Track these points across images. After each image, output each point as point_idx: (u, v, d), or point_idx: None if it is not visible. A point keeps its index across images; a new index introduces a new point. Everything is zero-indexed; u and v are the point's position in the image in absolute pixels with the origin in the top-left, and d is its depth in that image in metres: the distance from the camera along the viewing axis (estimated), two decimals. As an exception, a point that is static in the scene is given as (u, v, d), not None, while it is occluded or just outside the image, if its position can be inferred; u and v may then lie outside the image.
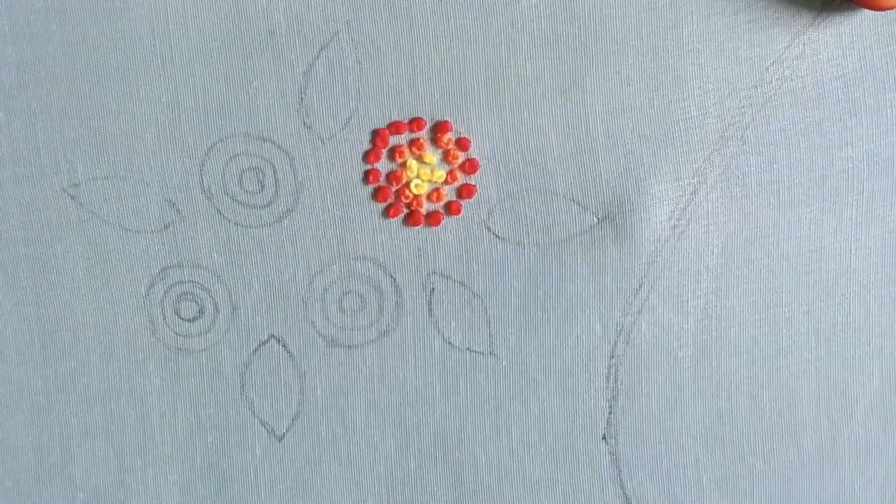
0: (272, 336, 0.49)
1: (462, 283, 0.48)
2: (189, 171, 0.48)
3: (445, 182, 0.47)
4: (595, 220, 0.46)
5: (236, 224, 0.48)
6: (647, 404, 0.48)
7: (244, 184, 0.48)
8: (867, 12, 0.45)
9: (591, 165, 0.46)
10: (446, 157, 0.47)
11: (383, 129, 0.47)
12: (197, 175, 0.48)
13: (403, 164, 0.47)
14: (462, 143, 0.47)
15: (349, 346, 0.49)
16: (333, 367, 0.49)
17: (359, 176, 0.47)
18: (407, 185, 0.47)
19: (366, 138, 0.47)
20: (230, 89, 0.47)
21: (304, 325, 0.48)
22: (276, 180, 0.47)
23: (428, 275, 0.48)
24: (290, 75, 0.47)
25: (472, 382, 0.48)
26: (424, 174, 0.47)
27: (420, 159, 0.47)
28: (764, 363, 0.48)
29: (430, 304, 0.48)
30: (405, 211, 0.47)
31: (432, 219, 0.47)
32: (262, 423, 0.49)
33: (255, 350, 0.49)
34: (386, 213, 0.48)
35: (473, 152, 0.47)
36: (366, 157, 0.47)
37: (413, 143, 0.47)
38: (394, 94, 0.47)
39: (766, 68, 0.46)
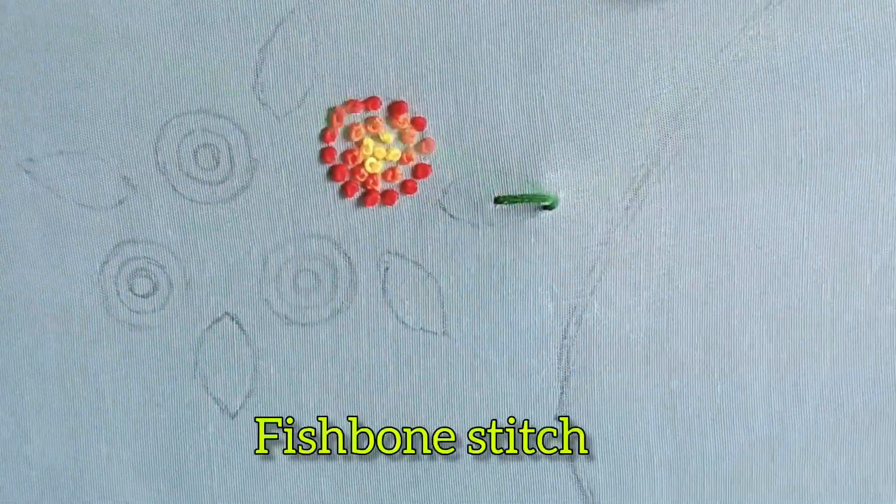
0: (226, 313, 0.49)
1: (416, 263, 0.48)
2: (144, 147, 0.47)
3: (401, 161, 0.47)
4: (549, 200, 0.46)
5: (191, 200, 0.48)
6: (598, 385, 0.48)
7: (199, 160, 0.48)
8: (821, -3, 0.46)
9: (546, 146, 0.46)
10: (402, 136, 0.47)
11: (339, 107, 0.47)
12: (152, 151, 0.48)
13: (359, 143, 0.47)
14: (418, 123, 0.47)
15: (303, 324, 0.49)
16: (287, 345, 0.49)
17: (314, 154, 0.47)
18: (362, 163, 0.47)
19: (321, 116, 0.47)
20: (186, 65, 0.47)
21: (259, 303, 0.48)
22: (231, 157, 0.47)
23: (382, 254, 0.48)
24: (247, 52, 0.47)
25: (424, 362, 0.48)
26: (380, 153, 0.47)
27: (376, 138, 0.47)
28: (715, 346, 0.48)
29: (384, 283, 0.48)
30: (361, 190, 0.47)
31: (387, 198, 0.47)
32: (216, 400, 0.49)
33: (209, 327, 0.49)
34: (343, 192, 0.48)
35: (429, 132, 0.47)
36: (322, 135, 0.47)
37: (369, 121, 0.47)
38: (350, 72, 0.46)
39: (721, 50, 0.46)
